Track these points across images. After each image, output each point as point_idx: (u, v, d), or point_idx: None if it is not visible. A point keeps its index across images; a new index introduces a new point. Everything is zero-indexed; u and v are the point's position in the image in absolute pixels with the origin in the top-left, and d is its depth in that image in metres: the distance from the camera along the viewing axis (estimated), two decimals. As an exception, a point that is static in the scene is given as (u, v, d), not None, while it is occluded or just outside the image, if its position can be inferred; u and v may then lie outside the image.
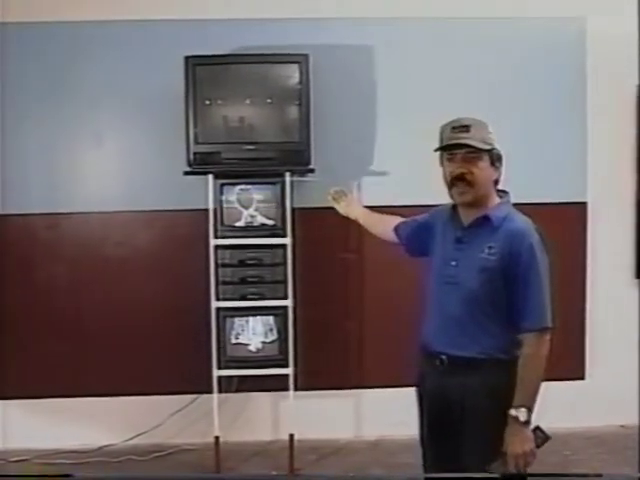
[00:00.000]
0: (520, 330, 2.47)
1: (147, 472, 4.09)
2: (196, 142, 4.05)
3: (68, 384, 4.38)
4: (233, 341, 4.15)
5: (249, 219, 4.15)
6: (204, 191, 4.08)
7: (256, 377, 4.18)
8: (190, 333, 4.27)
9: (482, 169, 2.50)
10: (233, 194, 4.14)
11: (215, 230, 4.10)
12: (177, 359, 4.34)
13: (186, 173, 4.06)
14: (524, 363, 2.44)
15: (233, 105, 4.13)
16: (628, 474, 3.69)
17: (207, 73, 4.07)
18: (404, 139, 4.36)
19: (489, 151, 2.51)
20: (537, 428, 2.44)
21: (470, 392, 2.48)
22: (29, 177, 4.41)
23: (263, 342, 4.17)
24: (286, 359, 4.11)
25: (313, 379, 4.29)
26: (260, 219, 4.15)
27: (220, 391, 4.13)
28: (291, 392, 4.11)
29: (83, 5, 4.29)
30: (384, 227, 3.01)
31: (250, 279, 4.14)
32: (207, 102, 4.07)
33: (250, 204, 4.15)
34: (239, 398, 4.38)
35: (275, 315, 4.16)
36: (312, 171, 4.12)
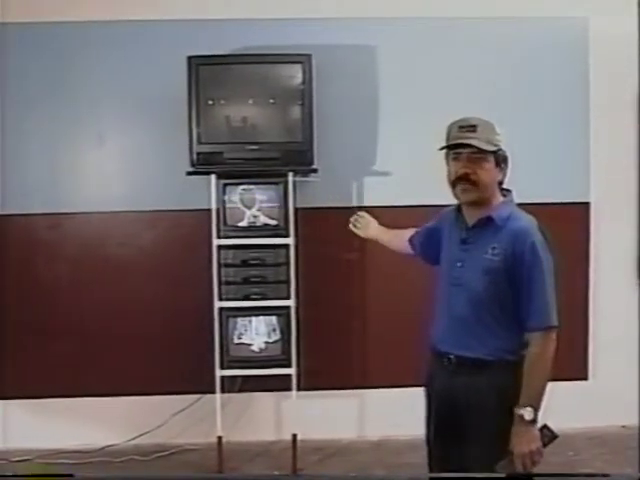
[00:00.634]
0: (526, 330, 2.47)
1: (150, 472, 4.09)
2: (199, 142, 4.05)
3: (71, 384, 4.38)
4: (236, 341, 4.15)
5: (252, 219, 4.15)
6: (207, 191, 4.08)
7: (259, 377, 4.18)
8: (193, 333, 4.27)
9: (487, 170, 2.50)
10: (236, 194, 4.14)
11: (218, 230, 4.09)
12: (180, 359, 4.34)
13: (189, 173, 4.06)
14: (530, 362, 2.44)
15: (236, 105, 4.13)
16: (630, 474, 3.70)
17: (210, 73, 4.07)
18: (407, 139, 4.36)
19: (495, 152, 2.51)
20: (544, 427, 2.44)
21: (477, 392, 2.48)
22: (30, 177, 4.41)
23: (266, 342, 4.17)
24: (289, 359, 4.11)
25: (316, 379, 4.29)
26: (263, 219, 4.15)
27: (223, 391, 4.13)
28: (294, 392, 4.10)
29: (84, 5, 4.29)
30: (400, 241, 3.01)
31: (253, 279, 4.14)
32: (210, 102, 4.07)
33: (253, 204, 4.15)
34: (242, 398, 4.38)
35: (278, 315, 4.16)
36: (315, 171, 4.12)
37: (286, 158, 4.07)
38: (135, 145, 4.46)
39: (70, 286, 4.45)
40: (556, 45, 4.47)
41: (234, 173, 4.12)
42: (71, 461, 4.16)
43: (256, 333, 4.17)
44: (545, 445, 2.42)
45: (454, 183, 2.52)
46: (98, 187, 4.49)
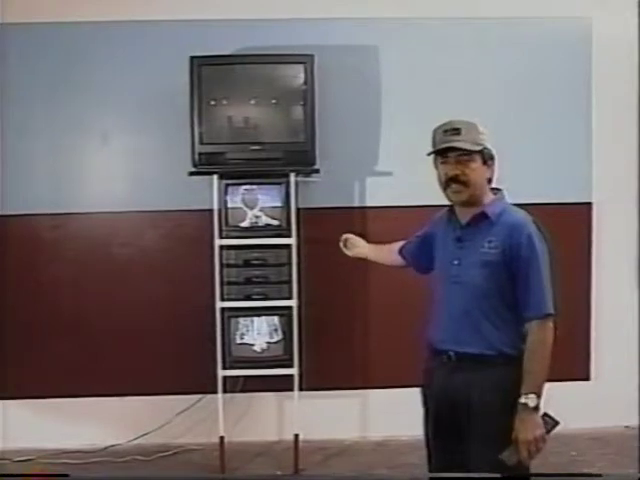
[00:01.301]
0: (524, 320, 2.51)
1: (152, 472, 4.09)
2: (201, 142, 4.05)
3: (73, 384, 4.39)
4: (238, 341, 4.16)
5: (254, 219, 4.15)
6: (209, 191, 4.08)
7: (261, 377, 4.18)
8: (195, 333, 4.27)
9: (475, 169, 2.56)
10: (238, 194, 4.14)
11: (220, 230, 4.10)
12: (182, 359, 4.34)
13: (191, 173, 4.06)
14: (530, 350, 2.48)
15: (238, 105, 4.14)
16: (629, 473, 3.70)
17: (212, 73, 4.07)
18: (409, 139, 4.31)
19: (480, 151, 2.57)
20: (545, 414, 2.47)
21: (478, 388, 2.50)
22: (33, 177, 4.42)
23: (268, 342, 4.17)
24: (291, 359, 4.11)
25: (318, 379, 4.29)
26: (265, 219, 4.16)
27: (225, 391, 4.14)
28: (296, 392, 4.11)
29: (85, 6, 4.29)
30: (390, 255, 3.06)
31: (255, 279, 4.14)
32: (212, 102, 4.07)
33: (255, 204, 4.15)
34: (244, 398, 4.38)
35: (280, 315, 4.16)
36: (317, 171, 4.12)
37: (288, 158, 4.08)
38: (137, 145, 4.46)
39: (72, 286, 4.46)
40: (559, 45, 4.47)
41: (236, 173, 4.13)
42: (74, 461, 4.17)
43: (258, 333, 4.18)
44: (548, 432, 2.45)
45: (445, 185, 2.58)
46: (100, 187, 4.49)
